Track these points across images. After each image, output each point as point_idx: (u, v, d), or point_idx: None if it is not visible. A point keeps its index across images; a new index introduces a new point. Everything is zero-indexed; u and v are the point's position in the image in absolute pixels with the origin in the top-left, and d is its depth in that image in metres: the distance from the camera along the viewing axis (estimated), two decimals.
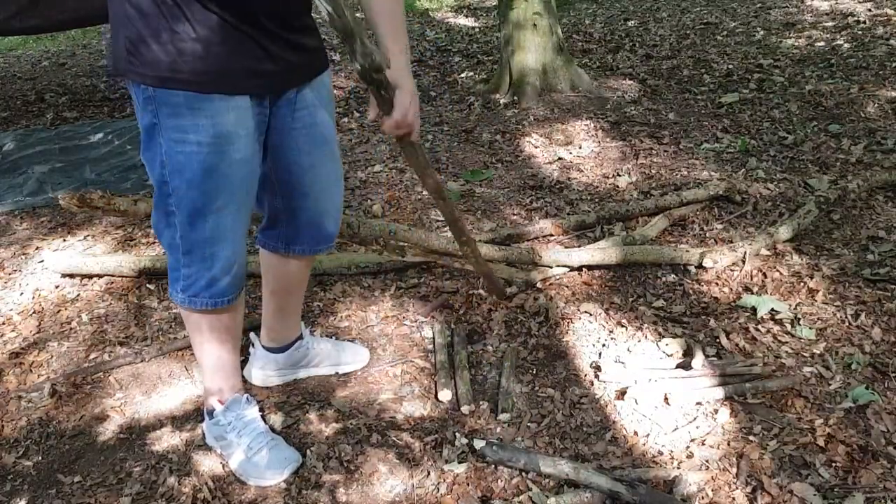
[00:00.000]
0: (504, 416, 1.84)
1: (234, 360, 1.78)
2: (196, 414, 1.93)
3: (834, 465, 1.67)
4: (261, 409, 1.92)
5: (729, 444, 1.75)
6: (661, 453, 1.74)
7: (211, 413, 1.78)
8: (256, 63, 1.41)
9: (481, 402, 1.91)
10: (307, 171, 1.63)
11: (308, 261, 1.86)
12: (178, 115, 1.38)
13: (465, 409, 1.88)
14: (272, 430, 1.82)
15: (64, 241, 2.96)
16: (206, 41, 1.33)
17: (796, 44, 5.26)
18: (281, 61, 1.45)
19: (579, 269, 2.51)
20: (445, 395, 1.92)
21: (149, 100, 1.38)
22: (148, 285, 2.54)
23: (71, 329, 2.34)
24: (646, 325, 2.20)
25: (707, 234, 2.74)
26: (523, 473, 1.68)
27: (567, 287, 2.43)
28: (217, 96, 1.38)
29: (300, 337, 2.01)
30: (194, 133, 1.39)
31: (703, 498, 1.60)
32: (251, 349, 2.02)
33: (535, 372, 2.04)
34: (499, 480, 1.67)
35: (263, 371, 2.00)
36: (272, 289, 1.89)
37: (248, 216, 1.58)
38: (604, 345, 2.14)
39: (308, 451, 1.78)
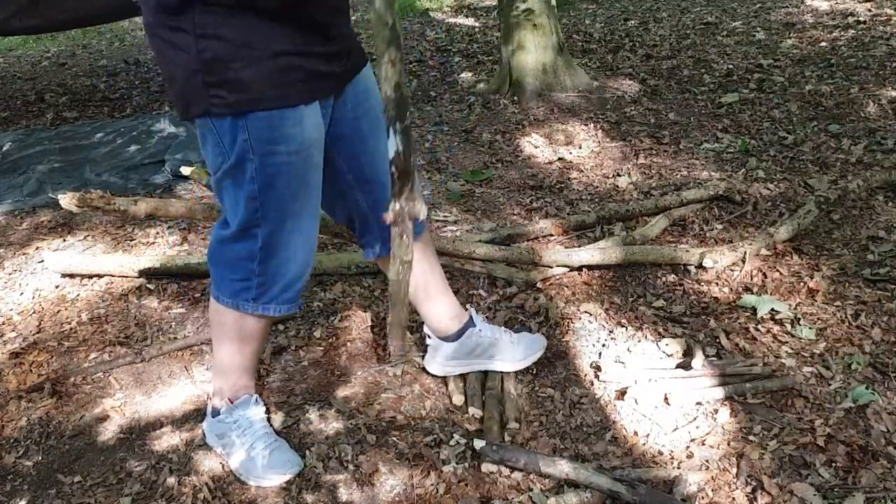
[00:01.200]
0: (514, 426, 1.83)
1: (256, 362, 1.80)
2: (196, 414, 1.93)
3: (834, 465, 1.67)
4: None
5: (729, 444, 1.75)
6: (661, 453, 1.74)
7: (216, 411, 1.78)
8: (325, 65, 1.47)
9: (491, 409, 1.91)
10: (383, 158, 1.61)
11: (426, 238, 1.84)
12: (271, 128, 1.42)
13: (472, 411, 1.88)
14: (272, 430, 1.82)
15: (64, 241, 2.96)
16: (280, 54, 1.38)
17: (796, 44, 5.26)
18: (342, 59, 1.51)
19: (579, 269, 2.51)
20: (459, 398, 1.92)
21: (240, 129, 1.41)
22: (148, 285, 2.54)
23: (71, 329, 2.34)
24: (646, 325, 2.20)
25: (707, 234, 2.74)
26: (523, 473, 1.68)
27: (567, 287, 2.43)
28: (300, 105, 1.43)
29: (471, 324, 1.94)
30: (284, 144, 1.43)
31: (703, 498, 1.60)
32: (427, 341, 1.99)
33: (535, 372, 2.04)
34: (499, 480, 1.67)
35: (439, 362, 1.97)
36: (419, 289, 1.86)
37: (317, 219, 1.62)
38: (604, 345, 2.14)
39: (308, 452, 1.78)
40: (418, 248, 1.78)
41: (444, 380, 1.99)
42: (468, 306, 2.05)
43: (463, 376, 2.00)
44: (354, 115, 1.61)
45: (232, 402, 1.75)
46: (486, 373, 1.99)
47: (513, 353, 1.97)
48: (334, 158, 1.64)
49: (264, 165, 1.44)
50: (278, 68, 1.38)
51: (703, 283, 2.41)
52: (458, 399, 1.92)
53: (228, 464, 1.74)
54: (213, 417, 1.79)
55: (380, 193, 1.67)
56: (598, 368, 2.01)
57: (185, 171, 3.47)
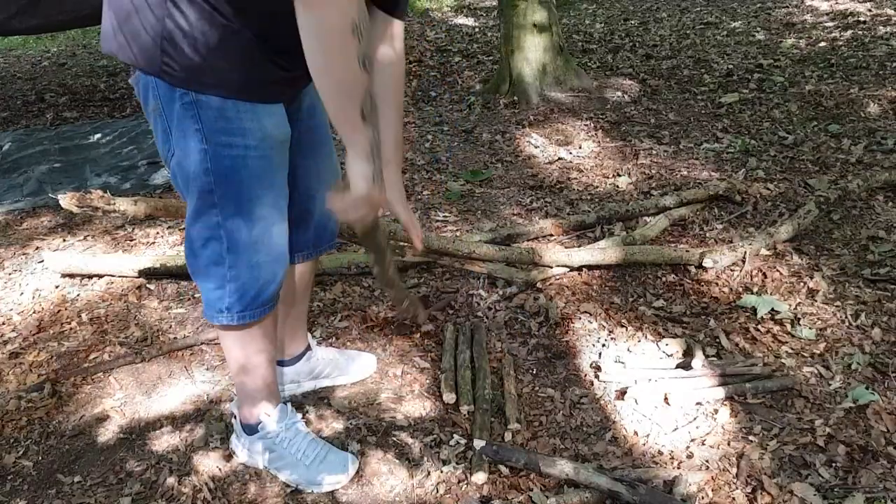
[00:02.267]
0: (515, 426, 1.82)
1: (275, 370, 1.71)
2: (196, 414, 1.93)
3: (834, 465, 1.67)
4: None
5: (729, 444, 1.75)
6: (661, 453, 1.74)
7: (250, 429, 1.70)
8: (287, 72, 1.39)
9: (485, 407, 1.91)
10: (312, 174, 1.63)
11: (313, 264, 1.84)
12: (225, 118, 1.35)
13: (464, 409, 1.88)
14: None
15: (64, 241, 2.96)
16: (246, 51, 1.31)
17: (796, 44, 5.26)
18: (300, 68, 1.44)
19: (579, 269, 2.51)
20: (450, 397, 1.92)
21: (189, 104, 1.33)
22: (148, 285, 2.54)
23: (71, 329, 2.34)
24: (646, 325, 2.20)
25: (707, 234, 2.74)
26: (523, 473, 1.68)
27: (567, 287, 2.43)
28: (260, 104, 1.38)
29: (308, 348, 1.96)
30: (241, 137, 1.37)
31: (703, 498, 1.60)
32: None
33: (535, 372, 2.04)
34: (499, 480, 1.67)
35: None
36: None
37: (286, 222, 1.54)
38: (604, 345, 2.14)
39: None
40: (307, 268, 1.81)
41: (440, 380, 1.99)
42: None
43: (454, 374, 1.99)
44: (298, 129, 1.55)
45: (269, 415, 1.68)
46: (475, 372, 1.99)
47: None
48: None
49: (220, 156, 1.37)
50: (239, 62, 1.32)
51: (703, 283, 2.41)
52: (448, 398, 1.92)
53: (280, 478, 1.69)
54: (249, 435, 1.71)
55: (306, 206, 1.66)
56: (598, 368, 2.01)
57: None
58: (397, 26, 1.52)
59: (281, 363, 1.92)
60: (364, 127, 1.30)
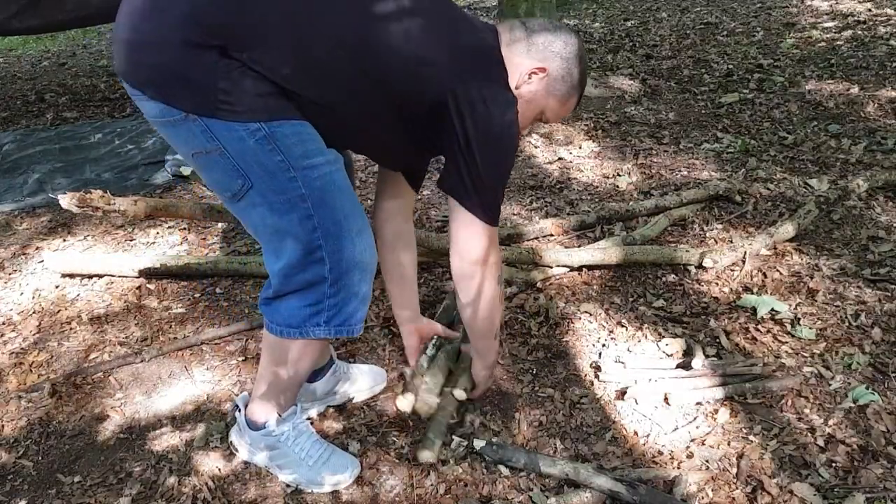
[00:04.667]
0: (459, 393, 1.85)
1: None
2: (196, 414, 1.93)
3: (834, 465, 1.67)
4: None
5: (729, 444, 1.75)
6: (661, 453, 1.74)
7: (257, 425, 1.68)
8: None
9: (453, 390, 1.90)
10: None
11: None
12: (303, 140, 1.36)
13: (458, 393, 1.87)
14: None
15: (64, 241, 2.96)
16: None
17: (796, 44, 5.26)
18: None
19: (579, 269, 2.51)
20: (404, 403, 1.85)
21: (266, 139, 1.33)
22: (148, 285, 2.54)
23: (71, 329, 2.34)
24: (646, 325, 2.20)
25: (707, 234, 2.74)
26: (523, 473, 1.68)
27: (567, 287, 2.43)
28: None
29: (332, 360, 1.90)
30: (322, 156, 1.39)
31: (703, 498, 1.60)
32: None
33: (535, 372, 2.04)
34: (499, 480, 1.67)
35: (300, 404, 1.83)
36: None
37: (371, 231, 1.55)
38: (604, 345, 2.14)
39: None
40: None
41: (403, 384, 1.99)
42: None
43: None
44: None
45: (281, 416, 1.67)
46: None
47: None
48: None
49: (310, 179, 1.37)
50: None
51: (703, 283, 2.41)
52: (402, 404, 1.86)
53: (280, 478, 1.69)
54: (254, 431, 1.69)
55: None
56: (598, 368, 2.01)
57: (185, 171, 3.47)
58: (412, 199, 1.82)
59: (309, 379, 1.86)
60: (494, 343, 1.75)
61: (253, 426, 1.69)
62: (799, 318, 2.19)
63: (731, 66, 4.80)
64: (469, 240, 1.51)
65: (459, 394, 1.85)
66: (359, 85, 1.37)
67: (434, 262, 2.53)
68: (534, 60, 1.48)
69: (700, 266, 2.48)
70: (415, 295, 1.94)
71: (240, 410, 1.73)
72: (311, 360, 1.61)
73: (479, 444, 1.72)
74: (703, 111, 4.09)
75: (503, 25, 1.53)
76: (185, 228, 2.96)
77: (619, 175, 3.32)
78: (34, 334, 2.33)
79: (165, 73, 1.30)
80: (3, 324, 2.40)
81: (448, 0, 1.50)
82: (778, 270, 2.46)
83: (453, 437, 1.79)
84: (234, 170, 1.36)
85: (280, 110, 1.34)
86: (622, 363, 2.02)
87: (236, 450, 1.76)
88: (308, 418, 1.88)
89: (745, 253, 2.49)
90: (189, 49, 1.27)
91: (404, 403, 1.83)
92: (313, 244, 1.41)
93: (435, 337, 1.98)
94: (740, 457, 1.70)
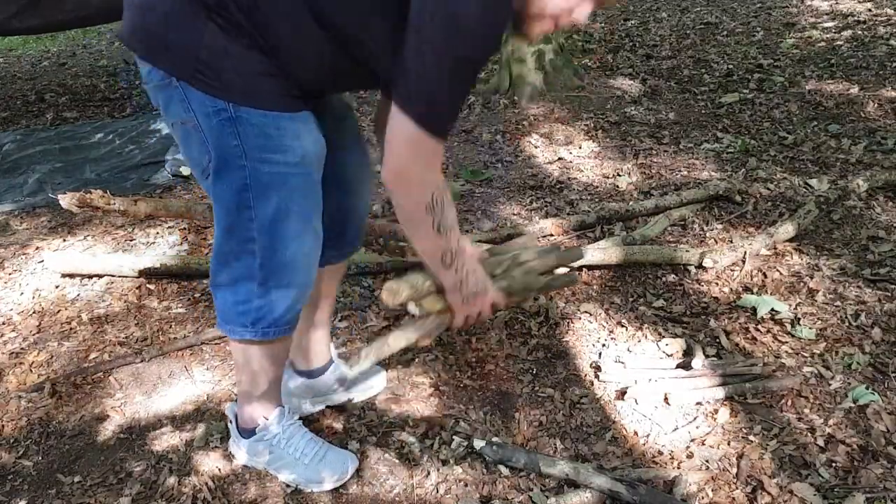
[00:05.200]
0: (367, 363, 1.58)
1: (281, 377, 1.69)
2: (196, 414, 1.93)
3: (834, 465, 1.67)
4: None
5: (729, 444, 1.75)
6: (661, 453, 1.74)
7: (248, 432, 1.69)
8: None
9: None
10: (349, 168, 1.60)
11: (341, 267, 1.79)
12: (265, 135, 1.31)
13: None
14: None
15: (64, 241, 2.96)
16: (280, 64, 1.29)
17: (796, 44, 5.26)
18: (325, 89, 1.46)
19: (579, 269, 2.51)
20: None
21: (229, 120, 1.29)
22: (148, 285, 2.54)
23: (71, 329, 2.34)
24: (646, 325, 2.20)
25: (707, 234, 2.74)
26: (523, 473, 1.68)
27: (567, 287, 2.43)
28: (299, 115, 1.35)
29: (331, 360, 1.90)
30: (282, 154, 1.34)
31: (703, 498, 1.60)
32: (286, 374, 1.83)
33: (535, 372, 2.04)
34: (499, 480, 1.67)
35: (297, 399, 1.88)
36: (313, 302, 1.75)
37: (320, 241, 1.50)
38: (604, 345, 2.14)
39: None
40: (336, 271, 1.79)
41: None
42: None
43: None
44: (335, 126, 1.53)
45: (267, 419, 1.67)
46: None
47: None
48: None
49: (259, 173, 1.34)
50: (272, 73, 1.30)
51: (703, 283, 2.41)
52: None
53: (280, 479, 1.70)
54: (246, 438, 1.70)
55: (341, 201, 1.61)
56: (598, 368, 2.01)
57: (185, 171, 3.47)
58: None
59: (309, 374, 1.87)
60: (448, 271, 1.43)
61: (245, 433, 1.70)
62: (799, 318, 2.19)
63: (731, 66, 4.80)
64: (390, 142, 1.24)
65: (412, 308, 1.53)
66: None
67: None
68: None
69: (700, 266, 2.48)
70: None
71: (232, 421, 1.74)
72: (273, 359, 1.59)
73: (479, 444, 1.72)
74: (703, 111, 4.09)
75: None
76: (185, 228, 2.96)
77: (619, 175, 3.32)
78: (34, 334, 2.33)
79: (152, 32, 1.29)
80: (3, 324, 2.40)
81: None
82: (778, 270, 2.46)
83: (454, 436, 1.80)
84: (203, 144, 1.34)
85: (257, 96, 1.29)
86: (622, 363, 2.02)
87: (235, 457, 1.76)
88: (307, 416, 1.88)
89: (745, 253, 2.49)
90: (178, 6, 1.25)
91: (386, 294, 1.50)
92: (248, 234, 1.40)
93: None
94: (740, 457, 1.70)
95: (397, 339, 1.50)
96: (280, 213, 1.38)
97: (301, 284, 1.49)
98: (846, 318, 2.19)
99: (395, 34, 1.20)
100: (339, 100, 1.61)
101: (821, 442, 1.73)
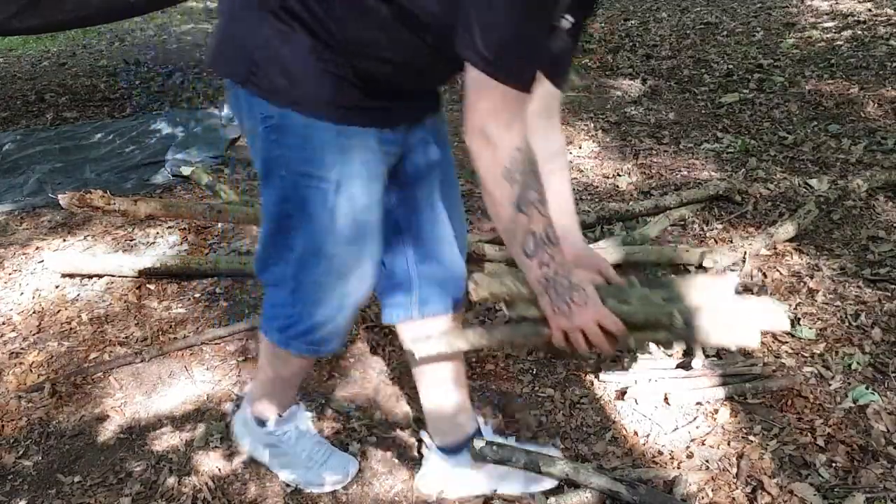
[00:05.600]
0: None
1: (301, 381, 1.66)
2: (196, 414, 1.93)
3: (834, 465, 1.67)
4: None
5: (729, 444, 1.75)
6: (661, 453, 1.74)
7: (261, 421, 1.65)
8: (388, 101, 1.30)
9: None
10: (444, 211, 1.48)
11: (456, 318, 1.58)
12: (306, 147, 1.26)
13: None
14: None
15: (64, 241, 2.96)
16: (344, 59, 1.22)
17: (796, 44, 5.26)
18: (416, 100, 1.36)
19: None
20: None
21: (274, 128, 1.25)
22: (148, 285, 2.54)
23: (71, 329, 2.34)
24: None
25: (707, 234, 2.74)
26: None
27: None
28: (351, 128, 1.26)
29: (479, 430, 1.67)
30: (322, 169, 1.26)
31: (703, 498, 1.60)
32: (424, 450, 1.72)
33: (535, 372, 2.04)
34: None
35: (445, 483, 1.66)
36: (422, 370, 1.62)
37: (363, 274, 1.39)
38: None
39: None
40: (451, 323, 1.57)
41: None
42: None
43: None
44: (427, 162, 1.43)
45: (281, 415, 1.64)
46: None
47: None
48: (397, 204, 1.45)
49: (299, 186, 1.28)
50: (328, 86, 1.22)
51: None
52: None
53: (278, 474, 1.69)
54: (258, 427, 1.66)
55: (437, 248, 1.48)
56: (598, 368, 2.01)
57: (185, 171, 3.47)
58: (557, 101, 1.47)
59: (447, 452, 1.66)
60: (530, 262, 1.23)
61: (258, 422, 1.67)
62: (799, 318, 2.19)
63: (731, 66, 4.80)
64: (468, 98, 1.14)
65: (504, 308, 1.40)
66: None
67: None
68: None
69: (700, 266, 2.47)
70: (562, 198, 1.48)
71: (246, 405, 1.71)
72: (294, 370, 1.56)
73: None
74: (703, 111, 4.09)
75: None
76: (185, 228, 2.96)
77: (619, 175, 3.32)
78: (34, 334, 2.33)
79: (218, 40, 1.29)
80: (3, 323, 2.40)
81: None
82: (778, 270, 2.46)
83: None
84: (255, 151, 1.33)
85: (305, 100, 1.22)
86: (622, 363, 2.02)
87: (240, 444, 1.75)
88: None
89: (745, 253, 2.49)
90: (241, 9, 1.24)
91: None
92: (286, 241, 1.35)
93: None
94: (740, 457, 1.70)
95: (477, 337, 1.38)
96: (315, 230, 1.32)
97: (330, 308, 1.40)
98: (846, 318, 2.19)
99: None
100: (438, 132, 1.47)
101: (821, 442, 1.73)
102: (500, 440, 1.65)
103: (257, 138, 1.30)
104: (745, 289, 2.36)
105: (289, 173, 1.29)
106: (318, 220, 1.31)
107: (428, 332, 1.50)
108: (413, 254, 1.49)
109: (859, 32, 5.40)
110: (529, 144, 1.18)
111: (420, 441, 1.79)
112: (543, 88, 1.35)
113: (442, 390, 1.61)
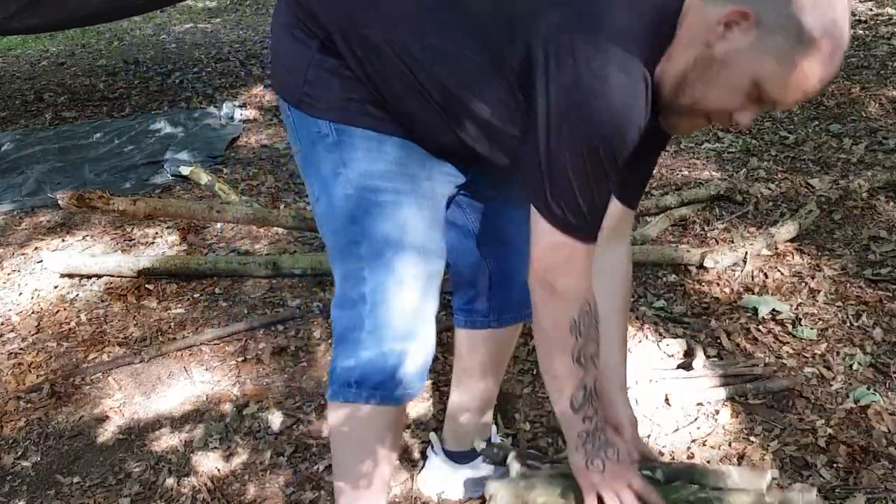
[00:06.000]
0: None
1: (391, 470, 1.40)
2: (195, 414, 1.93)
3: (835, 465, 1.67)
4: (260, 409, 1.92)
5: (730, 445, 1.74)
6: (661, 453, 1.73)
7: None
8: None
9: None
10: (518, 218, 1.33)
11: (519, 327, 1.55)
12: (370, 158, 1.16)
13: None
14: (270, 430, 1.82)
15: (63, 241, 2.95)
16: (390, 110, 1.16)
17: None
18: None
19: None
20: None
21: (333, 146, 1.17)
22: (147, 286, 2.53)
23: (70, 329, 2.34)
24: (646, 326, 2.20)
25: (708, 234, 2.74)
26: None
27: None
28: (408, 142, 1.19)
29: (489, 440, 1.63)
30: (390, 181, 1.17)
31: None
32: (429, 451, 1.69)
33: (535, 372, 2.03)
34: None
35: (446, 485, 1.63)
36: (471, 371, 1.56)
37: (435, 291, 1.29)
38: None
39: (308, 452, 1.77)
40: (515, 332, 1.55)
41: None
42: None
43: None
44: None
45: None
46: None
47: None
48: (468, 211, 1.39)
49: (367, 203, 1.18)
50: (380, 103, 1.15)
51: (704, 284, 2.41)
52: None
53: None
54: None
55: (514, 257, 1.40)
56: None
57: (185, 171, 3.46)
58: (629, 218, 1.32)
59: (453, 458, 1.65)
60: (575, 416, 1.16)
61: None
62: (800, 319, 2.19)
63: None
64: (534, 244, 1.09)
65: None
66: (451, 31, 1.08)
67: None
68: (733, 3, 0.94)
69: (701, 266, 2.47)
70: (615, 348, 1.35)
71: None
72: (386, 437, 1.32)
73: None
74: None
75: None
76: (184, 228, 2.96)
77: None
78: (33, 334, 2.32)
79: (273, 60, 1.24)
80: (2, 324, 2.39)
81: None
82: (779, 270, 2.45)
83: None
84: (305, 172, 1.24)
85: (359, 117, 1.16)
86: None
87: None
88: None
89: (746, 253, 2.48)
90: (286, 32, 1.18)
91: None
92: (360, 274, 1.21)
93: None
94: (741, 457, 1.70)
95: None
96: (395, 250, 1.21)
97: (423, 338, 1.28)
98: (847, 318, 2.19)
99: (507, 107, 1.07)
100: None
101: (822, 442, 1.72)
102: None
103: (312, 159, 1.22)
104: (746, 289, 2.36)
105: (355, 189, 1.19)
106: (397, 236, 1.21)
107: (497, 338, 1.49)
108: (493, 261, 1.45)
109: (861, 32, 5.39)
110: (594, 296, 1.14)
111: (424, 443, 1.79)
112: (614, 205, 1.22)
113: (475, 397, 1.59)
